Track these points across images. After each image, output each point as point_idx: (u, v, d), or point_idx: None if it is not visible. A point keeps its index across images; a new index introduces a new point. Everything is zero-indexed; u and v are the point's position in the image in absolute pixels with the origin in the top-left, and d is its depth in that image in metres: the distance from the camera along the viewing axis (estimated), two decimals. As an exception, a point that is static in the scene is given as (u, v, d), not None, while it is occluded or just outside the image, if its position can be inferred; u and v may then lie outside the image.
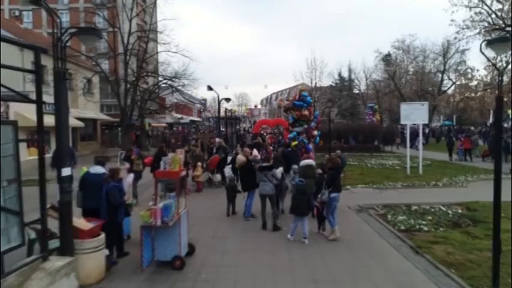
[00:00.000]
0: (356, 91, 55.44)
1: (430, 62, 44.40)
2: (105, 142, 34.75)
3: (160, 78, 27.50)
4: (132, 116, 25.65)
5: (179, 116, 63.59)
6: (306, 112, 15.25)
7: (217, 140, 14.31)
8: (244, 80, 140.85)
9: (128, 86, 25.43)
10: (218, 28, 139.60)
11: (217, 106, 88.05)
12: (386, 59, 52.39)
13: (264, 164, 8.41)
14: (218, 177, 12.85)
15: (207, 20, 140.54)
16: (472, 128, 40.53)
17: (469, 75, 31.73)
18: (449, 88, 43.92)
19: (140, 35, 26.41)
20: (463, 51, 41.25)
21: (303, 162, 10.19)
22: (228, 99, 19.49)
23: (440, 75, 45.01)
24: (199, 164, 12.06)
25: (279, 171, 8.82)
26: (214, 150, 13.58)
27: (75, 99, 27.11)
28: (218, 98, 18.29)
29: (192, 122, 69.62)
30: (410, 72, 48.16)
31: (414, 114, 15.97)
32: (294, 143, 13.31)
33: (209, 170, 12.94)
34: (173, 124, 56.42)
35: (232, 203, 9.66)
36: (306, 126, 15.39)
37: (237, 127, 40.41)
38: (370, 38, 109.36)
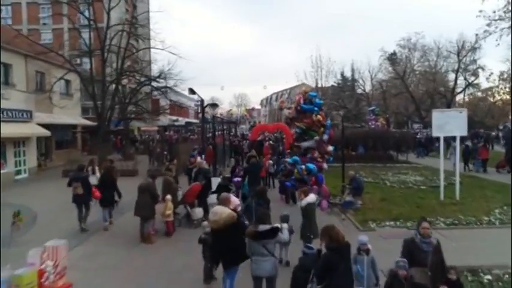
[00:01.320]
0: (359, 91, 51.92)
1: (442, 61, 41.19)
2: (86, 149, 31.51)
3: (142, 78, 24.14)
4: (111, 120, 22.37)
5: (174, 118, 60.23)
6: (319, 117, 12.06)
7: (198, 159, 11.00)
8: (244, 80, 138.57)
9: (108, 86, 22.16)
10: (218, 28, 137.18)
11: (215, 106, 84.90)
12: (392, 58, 49.28)
13: (262, 228, 4.98)
14: (198, 212, 9.56)
15: (207, 20, 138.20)
16: (493, 133, 37.19)
17: (505, 75, 28.35)
18: (464, 89, 40.62)
19: (122, 29, 23.09)
20: (474, 50, 38.10)
21: (304, 202, 7.01)
22: (214, 105, 16.25)
23: (450, 75, 41.90)
24: (168, 197, 8.71)
25: (286, 228, 5.56)
26: (193, 174, 10.32)
27: (48, 102, 23.79)
28: (202, 104, 15.00)
29: (188, 123, 66.17)
30: (417, 72, 45.03)
31: (450, 124, 12.64)
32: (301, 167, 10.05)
33: (187, 203, 9.65)
34: (167, 127, 53.01)
35: (211, 263, 6.39)
36: (317, 138, 12.15)
37: (234, 131, 37.04)
38: (371, 38, 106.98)
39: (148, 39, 30.82)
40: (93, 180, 11.38)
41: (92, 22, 21.44)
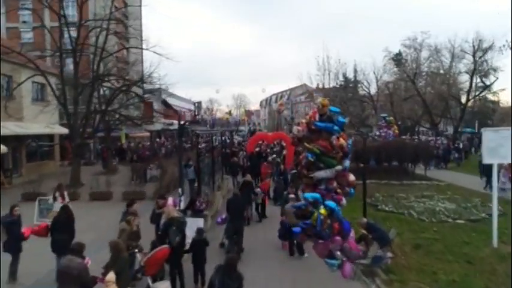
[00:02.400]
0: (362, 92, 48.55)
1: (455, 62, 38.15)
2: (68, 157, 28.45)
3: (122, 82, 21.11)
4: (85, 130, 19.35)
5: (169, 121, 56.92)
6: (342, 142, 9.01)
7: (169, 202, 7.88)
8: (243, 80, 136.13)
9: (81, 91, 19.17)
10: (218, 28, 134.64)
11: (214, 108, 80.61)
12: (397, 58, 46.29)
13: None
14: (163, 288, 6.51)
15: (207, 20, 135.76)
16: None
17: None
18: (481, 91, 37.60)
19: (100, 26, 20.05)
20: (485, 51, 35.15)
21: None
22: (196, 122, 13.31)
23: (460, 76, 38.92)
24: (109, 278, 5.55)
25: None
26: (162, 226, 7.26)
27: (17, 110, 20.72)
28: (180, 121, 11.98)
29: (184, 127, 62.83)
30: (423, 73, 42.06)
31: (505, 146, 9.63)
32: (320, 212, 6.95)
33: (148, 274, 6.58)
34: (161, 131, 49.79)
35: None
36: (339, 168, 9.05)
37: (231, 138, 33.97)
38: (371, 38, 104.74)
39: (138, 38, 27.88)
40: (63, 207, 10.21)
41: (62, 18, 18.39)
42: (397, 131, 26.15)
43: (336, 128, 9.18)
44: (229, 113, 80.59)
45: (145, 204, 15.00)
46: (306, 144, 9.59)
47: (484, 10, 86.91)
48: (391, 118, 26.62)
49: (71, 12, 29.46)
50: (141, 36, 28.96)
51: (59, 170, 25.30)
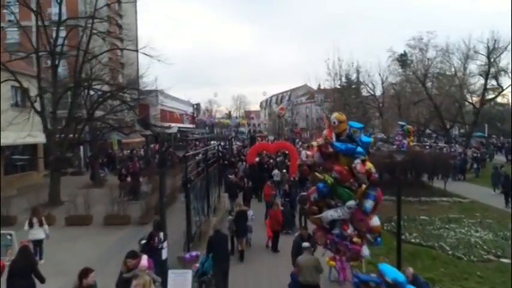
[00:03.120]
0: (365, 93, 46.29)
1: (468, 63, 36.11)
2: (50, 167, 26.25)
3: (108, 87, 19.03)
4: (65, 140, 17.24)
5: (166, 124, 54.62)
6: (369, 165, 7.01)
7: (143, 262, 5.70)
8: (243, 80, 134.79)
9: (60, 96, 17.11)
10: (218, 28, 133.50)
11: (213, 109, 78.15)
12: (402, 59, 44.17)
13: None
14: None
15: (207, 20, 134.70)
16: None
17: None
18: (498, 94, 35.54)
19: (84, 24, 17.98)
20: (501, 51, 33.11)
21: None
22: (181, 147, 11.23)
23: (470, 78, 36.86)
24: None
25: None
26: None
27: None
28: (162, 142, 8.62)
29: (183, 130, 60.56)
30: (429, 74, 39.97)
31: None
32: None
33: None
34: (157, 136, 47.50)
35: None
36: (351, 203, 7.01)
37: (229, 144, 31.91)
38: (371, 38, 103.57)
39: (126, 38, 25.76)
40: (40, 234, 9.86)
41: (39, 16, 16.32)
42: (412, 143, 24.05)
43: (359, 149, 7.16)
44: (229, 114, 78.44)
45: (129, 231, 12.95)
46: (317, 174, 7.55)
47: (484, 10, 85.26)
48: (409, 127, 24.48)
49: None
50: (136, 37, 26.95)
51: (43, 181, 23.18)
